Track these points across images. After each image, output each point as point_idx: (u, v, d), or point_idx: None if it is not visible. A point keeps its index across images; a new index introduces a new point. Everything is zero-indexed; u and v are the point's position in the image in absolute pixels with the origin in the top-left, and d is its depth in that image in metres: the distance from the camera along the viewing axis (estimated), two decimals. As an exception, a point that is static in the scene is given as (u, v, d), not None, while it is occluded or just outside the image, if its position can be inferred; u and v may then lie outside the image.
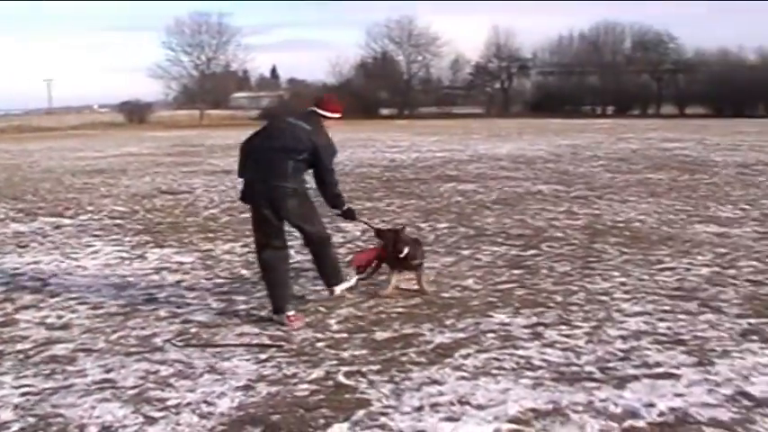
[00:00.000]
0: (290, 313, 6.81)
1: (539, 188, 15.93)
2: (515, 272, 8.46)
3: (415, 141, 32.93)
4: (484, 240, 10.21)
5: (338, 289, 7.40)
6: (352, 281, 7.62)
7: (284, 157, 6.83)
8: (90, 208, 14.35)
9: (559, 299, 7.34)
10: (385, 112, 73.86)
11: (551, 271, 8.48)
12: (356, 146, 29.67)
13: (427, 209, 13.24)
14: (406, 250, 7.52)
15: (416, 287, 7.68)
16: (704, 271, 8.36)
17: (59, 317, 7.15)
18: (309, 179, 7.09)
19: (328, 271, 7.36)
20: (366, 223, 8.51)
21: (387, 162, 23.11)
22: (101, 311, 7.30)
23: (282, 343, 6.20)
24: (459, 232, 10.96)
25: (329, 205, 7.34)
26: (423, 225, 11.53)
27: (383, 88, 75.78)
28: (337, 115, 7.26)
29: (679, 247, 9.69)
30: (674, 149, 25.75)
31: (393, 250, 7.54)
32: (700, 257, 9.03)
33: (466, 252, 9.57)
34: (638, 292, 7.50)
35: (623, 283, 7.86)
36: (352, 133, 38.03)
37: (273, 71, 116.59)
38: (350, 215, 7.51)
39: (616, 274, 8.28)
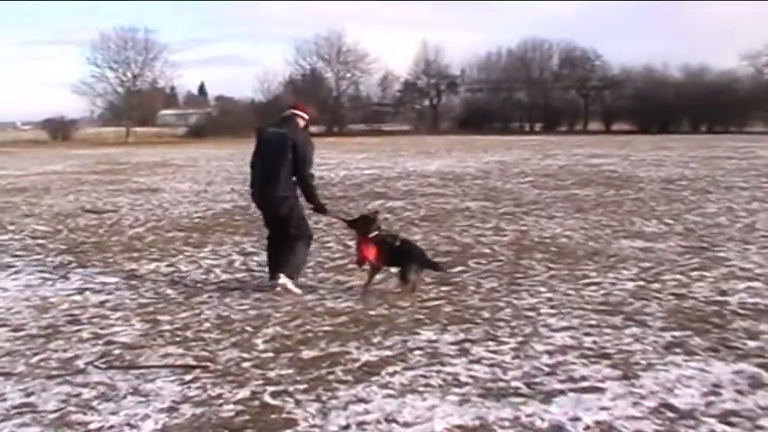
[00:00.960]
0: (279, 280, 8.20)
1: (467, 205, 16.06)
2: (443, 288, 8.50)
3: (344, 159, 32.94)
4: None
5: (282, 281, 8.25)
6: (298, 291, 8.33)
7: (276, 164, 8.14)
8: (11, 227, 14.01)
9: (486, 315, 7.40)
10: (313, 129, 73.40)
11: (478, 287, 8.55)
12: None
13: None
14: (375, 232, 8.35)
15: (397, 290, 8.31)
16: (629, 285, 8.52)
17: (-25, 341, 6.97)
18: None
19: (288, 261, 8.35)
20: (337, 217, 9.53)
21: (341, 177, 22.98)
22: (21, 333, 7.12)
23: (208, 363, 6.13)
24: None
25: (305, 199, 8.43)
26: (351, 243, 11.53)
27: (312, 105, 75.53)
28: (308, 116, 8.56)
29: (605, 262, 9.86)
30: (601, 165, 26.26)
31: (363, 233, 8.39)
32: (625, 272, 9.21)
33: (394, 269, 9.58)
34: (564, 307, 7.61)
35: (550, 299, 7.97)
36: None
37: (201, 88, 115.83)
38: (321, 209, 8.58)
39: (543, 289, 8.39)
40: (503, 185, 20.00)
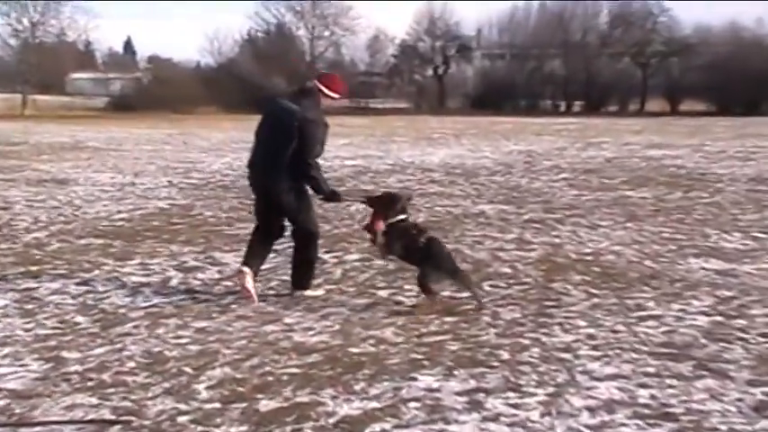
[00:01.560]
0: (245, 269, 9.11)
1: (481, 208, 16.10)
2: (447, 319, 8.45)
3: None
4: (407, 277, 10.19)
5: (299, 293, 9.34)
6: (318, 291, 9.46)
7: (279, 147, 8.87)
8: None
9: (506, 356, 7.38)
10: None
11: (495, 318, 8.53)
12: (239, 150, 29.55)
13: (333, 235, 13.18)
14: (398, 216, 9.00)
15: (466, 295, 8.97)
16: (702, 321, 8.49)
17: None
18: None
19: (299, 272, 9.43)
20: (354, 199, 10.53)
21: None
22: None
23: (131, 418, 6.07)
24: (374, 266, 10.97)
25: (311, 189, 9.16)
26: (326, 256, 11.50)
27: (278, 73, 75.69)
28: (337, 96, 9.26)
29: (667, 288, 9.84)
30: (663, 158, 26.31)
31: (383, 215, 9.02)
32: (696, 303, 9.18)
33: (383, 293, 9.61)
34: (611, 348, 7.58)
35: (591, 336, 7.94)
36: (235, 132, 37.89)
37: (128, 45, 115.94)
38: (332, 197, 9.34)
39: (582, 323, 8.37)
40: (529, 184, 20.09)
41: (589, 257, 11.58)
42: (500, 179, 21.04)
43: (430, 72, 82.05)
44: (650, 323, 8.39)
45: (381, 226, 8.96)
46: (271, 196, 9.20)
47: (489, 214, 15.40)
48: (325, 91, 9.13)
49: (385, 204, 9.12)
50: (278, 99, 9.40)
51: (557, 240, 12.82)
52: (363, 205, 9.90)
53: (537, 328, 8.23)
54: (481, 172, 22.69)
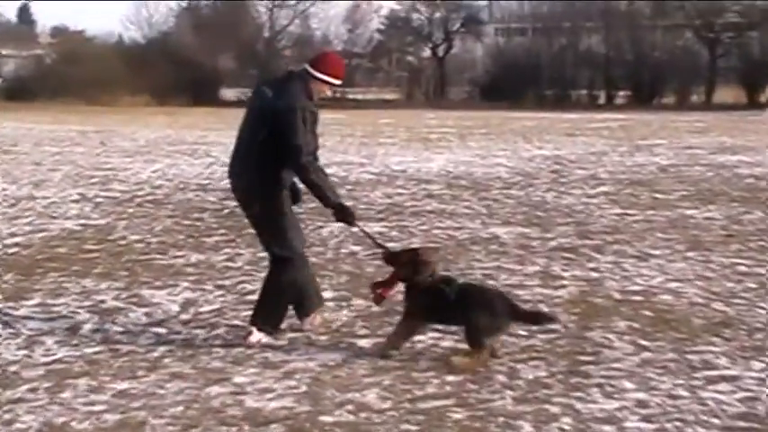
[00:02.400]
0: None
1: (494, 232, 16.15)
2: (450, 379, 8.47)
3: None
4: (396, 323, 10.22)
5: (253, 338, 9.37)
6: (279, 341, 9.42)
7: (251, 139, 9.20)
8: None
9: (528, 428, 7.40)
10: (230, 94, 73.89)
11: (513, 378, 8.54)
12: (176, 154, 29.59)
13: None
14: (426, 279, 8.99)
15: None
16: (792, 383, 8.52)
17: None
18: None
19: (263, 308, 9.56)
20: (369, 237, 9.99)
21: (229, 183, 22.85)
22: None
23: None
24: (354, 307, 11.01)
25: (313, 195, 9.32)
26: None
27: (226, 52, 75.77)
28: (333, 80, 9.31)
29: (744, 339, 9.83)
30: (738, 166, 26.40)
31: (406, 279, 9.07)
32: (783, 359, 9.21)
33: (364, 342, 9.64)
34: (668, 420, 7.60)
35: (642, 403, 7.95)
36: (171, 131, 37.91)
37: (23, 13, 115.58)
38: (345, 214, 9.37)
39: (629, 385, 8.37)
40: (557, 200, 20.17)
41: (638, 297, 11.58)
42: (519, 193, 21.12)
43: (427, 52, 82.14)
44: (722, 386, 8.38)
45: (392, 293, 9.08)
46: (240, 200, 9.69)
47: (505, 240, 15.44)
48: (317, 75, 9.18)
49: (411, 268, 9.09)
50: (259, 87, 9.69)
51: (594, 275, 12.85)
52: (380, 251, 9.75)
53: (568, 390, 8.23)
54: (494, 184, 22.78)
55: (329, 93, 9.55)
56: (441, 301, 8.82)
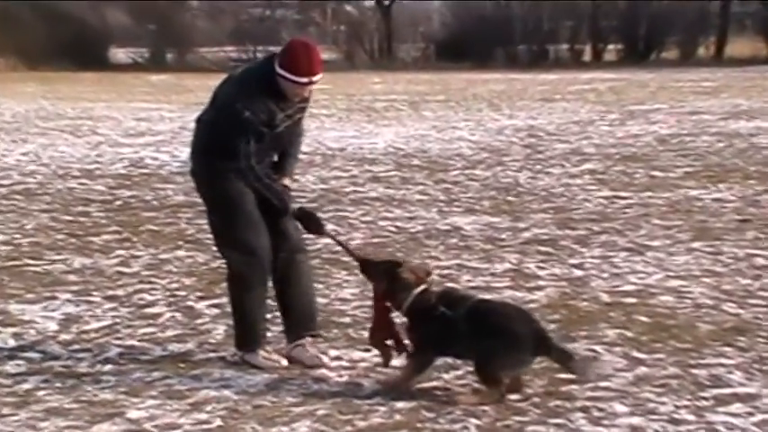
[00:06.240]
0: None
1: (454, 222, 16.24)
2: (400, 406, 8.45)
3: (188, 120, 32.93)
4: (337, 337, 10.20)
5: (246, 358, 9.49)
6: (274, 361, 9.48)
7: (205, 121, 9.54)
8: None
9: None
10: (121, 54, 74.32)
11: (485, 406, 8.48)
12: (54, 132, 29.58)
13: (216, 273, 13.03)
14: (409, 298, 8.77)
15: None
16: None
17: None
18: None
19: (238, 328, 9.63)
20: (339, 243, 10.25)
21: (122, 167, 23.27)
22: None
23: None
24: (277, 320, 10.87)
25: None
26: (201, 305, 11.42)
27: (117, 7, 75.91)
28: (295, 78, 9.03)
29: (762, 349, 9.87)
30: (756, 135, 26.56)
31: (386, 296, 8.96)
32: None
33: (305, 363, 9.53)
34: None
35: (637, 430, 7.99)
36: (44, 102, 37.89)
37: None
38: (309, 224, 9.79)
39: (621, 408, 8.39)
40: (533, 181, 20.32)
41: (631, 300, 11.67)
42: (485, 174, 21.24)
43: (370, 1, 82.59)
44: (736, 407, 8.42)
45: (400, 332, 8.89)
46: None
47: (468, 232, 15.52)
48: (278, 70, 9.06)
49: (387, 280, 8.94)
50: (231, 73, 9.87)
51: (578, 273, 12.94)
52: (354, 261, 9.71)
53: (546, 417, 8.25)
54: (454, 163, 22.93)
55: (305, 93, 9.32)
56: (449, 330, 8.55)
